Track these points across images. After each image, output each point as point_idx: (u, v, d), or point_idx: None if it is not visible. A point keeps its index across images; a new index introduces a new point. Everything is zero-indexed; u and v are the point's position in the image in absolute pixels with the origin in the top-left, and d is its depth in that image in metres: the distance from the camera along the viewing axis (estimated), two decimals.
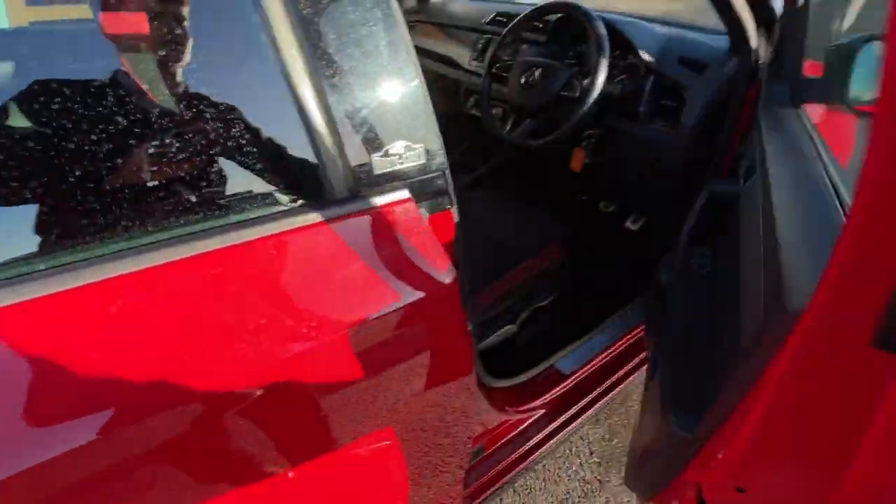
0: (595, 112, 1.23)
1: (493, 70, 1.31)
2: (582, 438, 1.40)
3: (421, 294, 0.57)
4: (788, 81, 0.89)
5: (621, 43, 1.15)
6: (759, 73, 1.02)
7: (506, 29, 1.28)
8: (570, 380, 1.15)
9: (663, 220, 1.35)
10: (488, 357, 1.15)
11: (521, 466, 1.16)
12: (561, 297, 1.25)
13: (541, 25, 1.40)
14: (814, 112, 0.86)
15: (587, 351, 1.20)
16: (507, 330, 1.18)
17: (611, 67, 1.23)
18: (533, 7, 1.24)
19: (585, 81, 1.07)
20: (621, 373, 1.31)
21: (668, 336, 0.82)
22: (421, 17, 1.90)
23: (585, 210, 1.83)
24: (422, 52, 1.84)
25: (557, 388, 1.13)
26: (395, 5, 0.51)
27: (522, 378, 1.03)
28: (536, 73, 1.16)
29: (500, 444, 1.12)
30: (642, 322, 1.33)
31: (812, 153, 0.69)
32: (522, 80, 1.19)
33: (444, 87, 1.79)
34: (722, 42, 1.07)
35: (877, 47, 0.78)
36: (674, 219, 1.28)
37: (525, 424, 1.16)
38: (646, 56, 1.12)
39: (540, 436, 1.19)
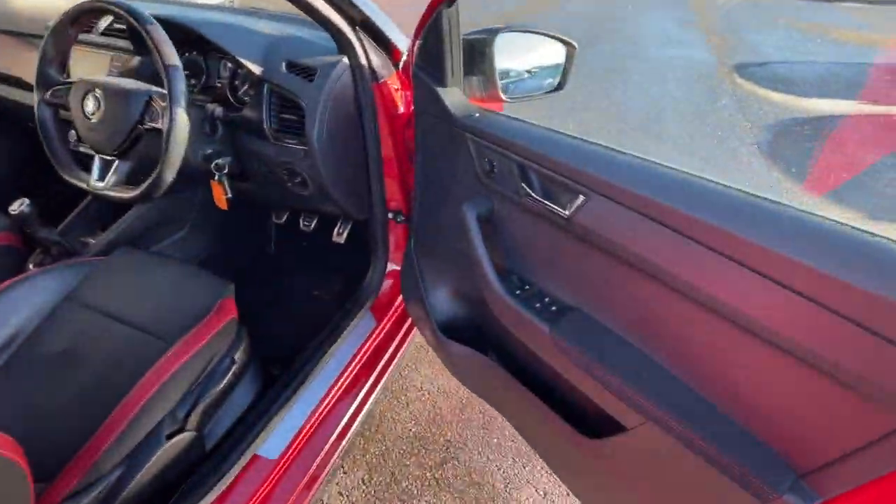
0: (223, 135, 1.00)
1: (49, 96, 0.92)
2: (341, 493, 1.25)
3: None
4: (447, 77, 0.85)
5: (214, 48, 0.93)
6: (375, 73, 0.96)
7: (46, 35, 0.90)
8: (282, 462, 0.95)
9: (363, 224, 1.25)
10: (166, 489, 0.85)
11: None
12: (250, 362, 1.02)
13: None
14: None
15: (298, 415, 1.02)
16: (184, 438, 0.89)
17: (230, 79, 1.02)
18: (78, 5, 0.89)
19: (164, 104, 0.82)
20: (355, 405, 1.18)
21: None
22: None
23: (285, 234, 1.62)
24: None
25: (267, 482, 0.92)
26: None
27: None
28: (101, 99, 0.84)
29: None
30: (366, 342, 1.23)
31: None
32: (89, 110, 0.85)
33: (25, 117, 1.27)
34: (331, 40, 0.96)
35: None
36: (369, 219, 1.19)
37: None
38: (249, 63, 0.94)
39: None
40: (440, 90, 0.85)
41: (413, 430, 1.41)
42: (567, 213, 0.67)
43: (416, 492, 1.25)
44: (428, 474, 1.29)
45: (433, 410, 1.46)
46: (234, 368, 0.96)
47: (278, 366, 1.17)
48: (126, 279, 1.05)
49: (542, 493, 1.25)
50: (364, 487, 1.26)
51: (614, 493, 0.75)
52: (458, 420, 1.43)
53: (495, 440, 1.38)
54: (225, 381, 0.94)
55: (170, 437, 0.85)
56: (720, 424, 0.55)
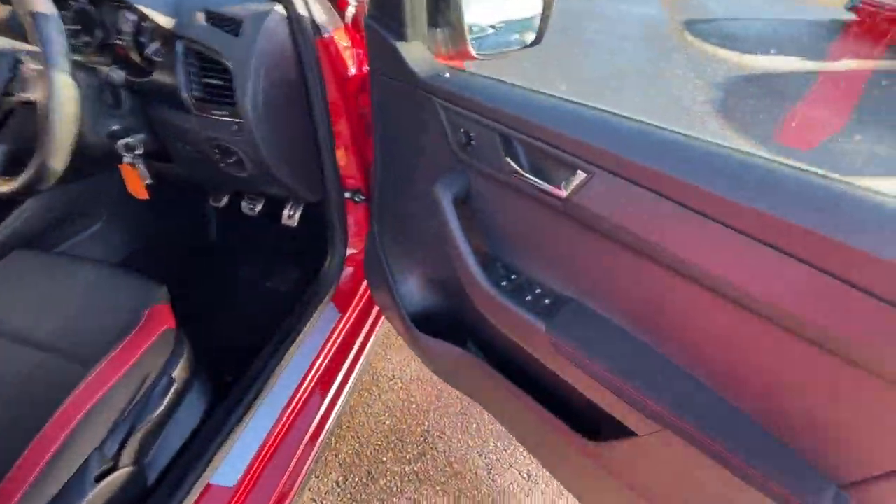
0: (130, 107, 0.81)
1: None
2: (314, 500, 1.15)
3: None
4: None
5: None
6: (318, 27, 0.80)
7: None
8: (241, 488, 0.84)
9: (317, 205, 1.10)
10: None
11: None
12: (193, 378, 0.88)
13: None
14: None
15: (257, 431, 0.90)
16: (118, 478, 0.75)
17: (134, 35, 0.82)
18: None
19: (39, 68, 0.62)
20: (324, 408, 1.07)
21: None
22: None
23: (227, 219, 1.44)
24: None
25: None
26: None
27: None
28: None
29: None
30: (331, 336, 1.11)
31: None
32: None
33: None
34: None
35: None
36: (323, 200, 1.05)
37: None
38: (156, 14, 0.74)
39: None
40: (400, 45, 0.71)
41: (387, 422, 1.32)
42: (564, 192, 0.56)
43: (395, 489, 1.18)
44: (407, 468, 1.22)
45: (407, 400, 1.38)
46: (174, 388, 0.82)
47: (230, 372, 1.03)
48: (25, 289, 0.86)
49: (525, 475, 1.22)
50: (339, 491, 1.17)
51: (621, 498, 0.70)
52: (434, 408, 1.36)
53: (474, 425, 1.32)
54: (164, 405, 0.80)
55: (99, 478, 0.71)
56: (746, 431, 0.49)
